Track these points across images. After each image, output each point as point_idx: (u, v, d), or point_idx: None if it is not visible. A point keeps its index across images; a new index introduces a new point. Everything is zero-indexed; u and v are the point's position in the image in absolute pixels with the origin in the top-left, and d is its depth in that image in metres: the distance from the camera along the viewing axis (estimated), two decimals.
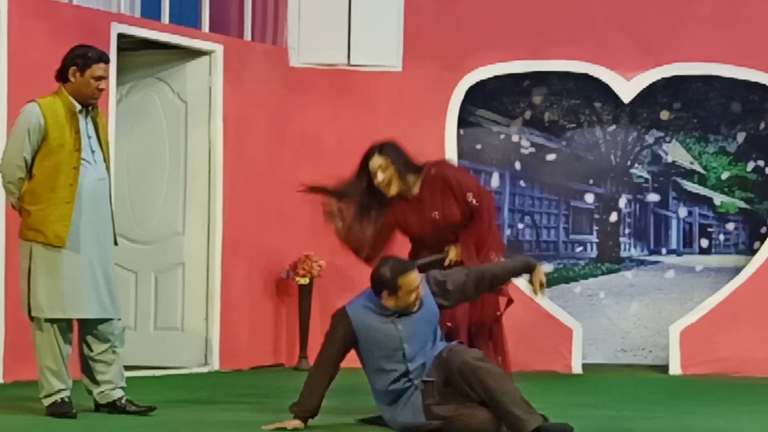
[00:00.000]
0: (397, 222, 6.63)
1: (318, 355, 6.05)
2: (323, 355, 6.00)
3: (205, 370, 9.42)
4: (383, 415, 6.03)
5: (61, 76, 6.49)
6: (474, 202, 6.55)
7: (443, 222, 6.55)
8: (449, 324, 6.39)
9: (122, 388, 6.60)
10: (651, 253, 10.59)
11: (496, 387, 5.60)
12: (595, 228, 10.60)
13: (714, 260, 10.50)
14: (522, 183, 10.49)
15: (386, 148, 6.59)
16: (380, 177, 6.54)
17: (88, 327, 6.52)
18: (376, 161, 6.55)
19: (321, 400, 6.01)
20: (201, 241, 9.53)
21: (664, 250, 10.59)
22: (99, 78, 6.46)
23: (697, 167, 10.52)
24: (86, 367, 6.57)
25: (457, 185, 6.58)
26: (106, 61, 6.53)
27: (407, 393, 5.88)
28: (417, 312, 5.90)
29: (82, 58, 6.47)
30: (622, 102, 10.29)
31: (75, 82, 6.46)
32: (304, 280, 9.76)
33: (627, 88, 10.18)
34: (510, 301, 6.69)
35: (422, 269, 6.20)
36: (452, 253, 6.58)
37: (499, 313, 6.67)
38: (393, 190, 6.55)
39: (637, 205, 10.59)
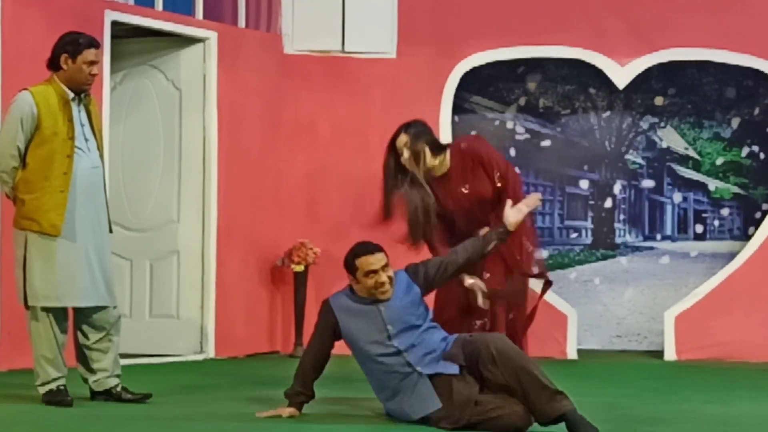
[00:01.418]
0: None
1: (307, 345, 6.09)
2: (311, 342, 6.04)
3: (200, 357, 9.42)
4: (388, 410, 5.91)
5: (53, 64, 6.48)
6: (499, 183, 6.49)
7: (473, 197, 6.45)
8: (484, 321, 6.34)
9: (117, 376, 6.60)
10: (646, 239, 10.60)
11: (522, 374, 5.50)
12: (590, 214, 10.61)
13: (709, 246, 10.51)
14: (517, 169, 10.46)
15: (413, 127, 6.52)
16: (406, 155, 6.47)
17: (84, 315, 6.52)
18: (403, 139, 6.47)
19: (312, 386, 6.00)
20: (196, 228, 9.52)
21: (658, 236, 10.60)
22: (91, 63, 6.44)
23: (691, 153, 10.52)
24: (82, 355, 6.57)
25: (488, 161, 6.51)
26: (97, 46, 6.52)
27: (409, 380, 5.75)
28: (398, 294, 5.84)
29: (72, 44, 6.45)
30: (616, 88, 10.29)
31: (67, 70, 6.44)
32: (300, 268, 9.77)
33: (621, 74, 10.17)
34: (549, 284, 6.59)
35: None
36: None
37: (534, 304, 6.61)
38: (420, 167, 6.45)
39: (632, 191, 10.60)
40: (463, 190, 6.48)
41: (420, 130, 6.51)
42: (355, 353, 5.95)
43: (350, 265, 5.85)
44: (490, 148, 6.69)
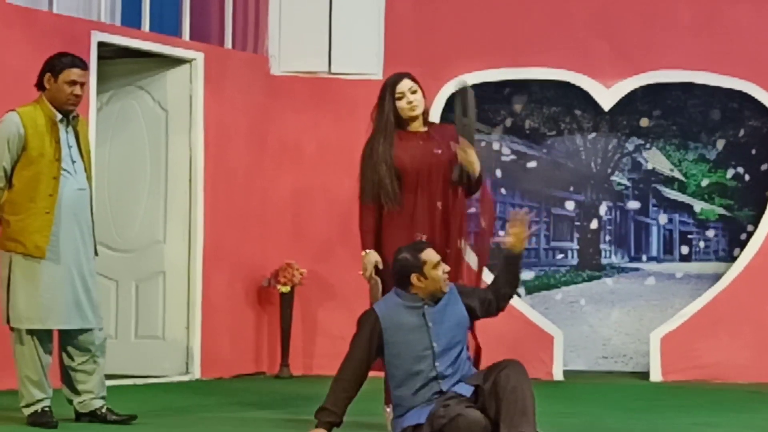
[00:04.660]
0: (395, 156, 6.48)
1: (344, 359, 5.71)
2: (348, 358, 5.68)
3: (186, 378, 9.40)
4: (392, 427, 5.71)
5: (40, 84, 6.48)
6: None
7: (442, 159, 6.44)
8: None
9: (103, 397, 6.58)
10: (631, 260, 10.62)
11: (518, 390, 5.39)
12: (576, 235, 10.63)
13: (694, 267, 10.53)
14: (503, 191, 10.51)
15: (412, 76, 6.57)
16: (412, 97, 6.47)
17: (69, 337, 6.50)
18: (408, 83, 6.50)
19: (346, 407, 5.67)
20: (182, 249, 9.51)
21: (644, 257, 10.62)
22: (72, 83, 6.41)
23: (677, 174, 10.55)
24: (67, 376, 6.55)
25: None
26: (81, 66, 6.48)
27: (428, 402, 5.56)
28: (446, 307, 5.68)
29: (56, 63, 6.45)
30: (602, 110, 10.32)
31: (50, 89, 6.44)
32: (286, 288, 9.76)
33: (607, 96, 10.21)
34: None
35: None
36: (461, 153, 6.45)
37: None
38: (417, 111, 6.49)
39: (618, 212, 10.62)
40: (436, 150, 6.49)
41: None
42: (391, 370, 5.67)
43: (413, 265, 5.62)
44: None
